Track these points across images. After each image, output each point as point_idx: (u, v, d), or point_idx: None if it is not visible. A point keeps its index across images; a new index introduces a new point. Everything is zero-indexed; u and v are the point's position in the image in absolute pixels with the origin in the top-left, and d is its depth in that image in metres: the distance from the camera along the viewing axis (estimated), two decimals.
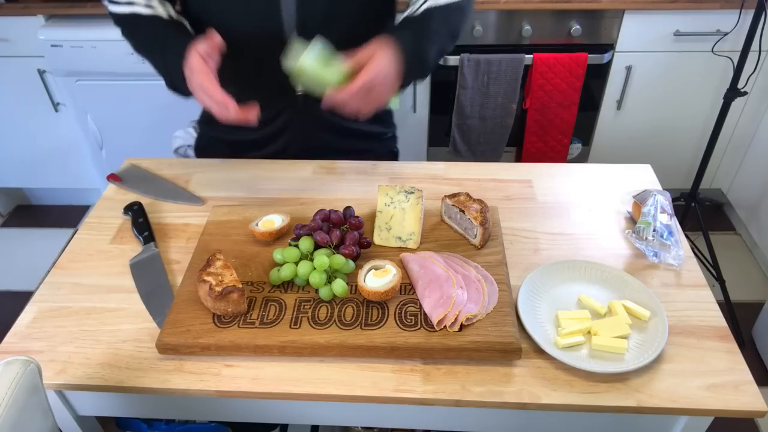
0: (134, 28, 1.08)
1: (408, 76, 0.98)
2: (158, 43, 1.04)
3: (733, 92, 1.78)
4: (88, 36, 1.94)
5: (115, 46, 1.94)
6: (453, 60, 1.98)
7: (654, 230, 0.98)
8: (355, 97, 0.91)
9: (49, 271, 0.99)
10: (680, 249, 0.97)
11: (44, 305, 0.93)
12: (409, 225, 0.98)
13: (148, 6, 1.06)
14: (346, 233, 0.95)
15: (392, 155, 1.40)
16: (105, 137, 2.18)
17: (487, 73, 1.99)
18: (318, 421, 0.92)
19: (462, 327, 0.82)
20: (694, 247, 1.81)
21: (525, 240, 1.02)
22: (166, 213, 1.11)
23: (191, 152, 1.37)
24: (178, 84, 1.01)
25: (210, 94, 0.92)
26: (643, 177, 1.17)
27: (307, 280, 0.88)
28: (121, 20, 1.08)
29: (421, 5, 1.04)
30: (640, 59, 2.02)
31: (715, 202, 2.44)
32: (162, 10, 1.08)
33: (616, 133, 2.21)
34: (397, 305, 0.87)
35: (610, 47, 2.00)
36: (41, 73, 2.07)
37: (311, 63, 0.92)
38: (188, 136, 1.38)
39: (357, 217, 0.97)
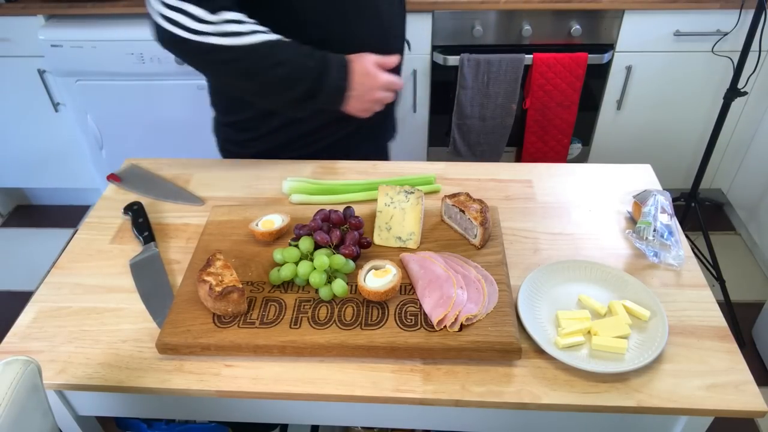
0: (273, 54, 0.98)
1: None
2: (313, 61, 1.00)
3: (733, 92, 1.78)
4: (88, 36, 1.94)
5: (115, 46, 1.94)
6: (453, 60, 1.98)
7: (654, 230, 0.98)
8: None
9: (49, 271, 0.99)
10: (680, 249, 0.97)
11: (44, 305, 0.93)
12: (409, 225, 0.98)
13: (270, 31, 0.98)
14: (346, 233, 0.95)
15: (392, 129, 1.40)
16: (105, 137, 2.18)
17: (487, 73, 1.99)
18: (318, 421, 0.92)
19: (462, 327, 0.82)
20: (694, 247, 1.81)
21: (525, 240, 1.02)
22: (166, 213, 1.11)
23: None
24: (331, 94, 1.02)
25: (393, 86, 1.06)
26: (643, 177, 1.17)
27: (307, 280, 0.88)
28: (253, 50, 0.96)
29: None
30: (640, 59, 2.02)
31: (715, 202, 2.44)
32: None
33: (616, 133, 2.21)
34: (397, 305, 0.87)
35: (610, 47, 2.00)
36: (41, 73, 2.07)
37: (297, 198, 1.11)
38: None
39: (357, 217, 0.97)
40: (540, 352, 0.82)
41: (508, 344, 0.80)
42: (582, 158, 2.28)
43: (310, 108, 1.04)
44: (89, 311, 0.91)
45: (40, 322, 0.90)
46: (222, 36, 0.93)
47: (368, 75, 1.03)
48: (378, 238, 0.99)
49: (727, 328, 0.86)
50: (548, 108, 2.08)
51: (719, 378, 0.79)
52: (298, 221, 1.00)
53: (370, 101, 1.05)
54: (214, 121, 1.30)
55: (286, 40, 0.99)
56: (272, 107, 1.13)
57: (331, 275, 0.89)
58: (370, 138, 1.31)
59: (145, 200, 1.13)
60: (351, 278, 0.91)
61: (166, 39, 0.95)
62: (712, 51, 1.92)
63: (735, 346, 0.83)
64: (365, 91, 1.03)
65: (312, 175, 1.19)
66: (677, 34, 1.95)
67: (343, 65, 1.02)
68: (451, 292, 0.85)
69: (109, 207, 1.13)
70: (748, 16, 1.74)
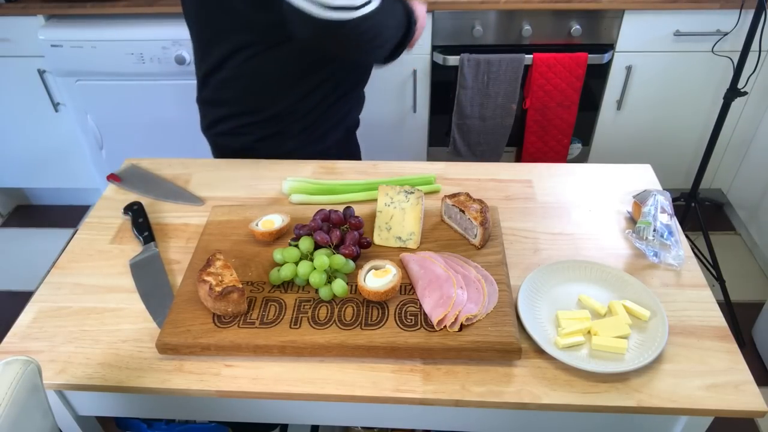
0: (387, 5, 1.05)
1: None
2: (398, 3, 1.10)
3: (733, 92, 1.78)
4: (88, 36, 1.94)
5: (115, 46, 1.94)
6: (453, 60, 1.98)
7: (654, 230, 0.98)
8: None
9: (49, 271, 0.99)
10: (680, 249, 0.97)
11: (44, 305, 0.93)
12: (409, 225, 0.98)
13: None
14: (346, 233, 0.95)
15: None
16: (105, 137, 2.18)
17: (487, 73, 1.99)
18: (318, 421, 0.92)
19: (462, 327, 0.82)
20: (694, 247, 1.81)
21: (525, 240, 1.02)
22: (166, 213, 1.11)
23: None
24: (413, 28, 1.14)
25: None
26: (643, 177, 1.17)
27: (307, 280, 0.88)
28: (382, 7, 1.02)
29: None
30: (640, 59, 2.02)
31: (715, 202, 2.44)
32: None
33: (616, 133, 2.20)
34: (397, 305, 0.87)
35: (610, 47, 2.00)
36: (41, 73, 2.07)
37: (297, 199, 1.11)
38: None
39: (357, 217, 0.97)
40: (540, 352, 0.82)
41: (508, 344, 0.80)
42: (582, 158, 2.28)
43: (402, 50, 1.16)
44: (89, 311, 0.91)
45: (40, 322, 0.90)
46: (367, 4, 0.97)
47: (418, 5, 1.16)
48: (378, 238, 0.99)
49: (727, 328, 0.86)
50: (548, 108, 2.08)
51: (719, 378, 0.79)
52: (298, 221, 1.00)
53: (421, 28, 1.18)
54: (229, 126, 1.27)
55: None
56: (379, 60, 1.18)
57: (331, 275, 0.88)
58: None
59: (145, 200, 1.13)
60: (351, 278, 0.91)
61: (328, 28, 0.97)
62: (712, 51, 1.91)
63: (735, 346, 0.83)
64: (421, 20, 1.17)
65: (312, 175, 1.19)
66: (677, 34, 1.95)
67: (407, 1, 1.14)
68: (451, 292, 0.85)
69: (109, 207, 1.13)
70: (748, 16, 1.74)
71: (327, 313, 0.86)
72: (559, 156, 2.22)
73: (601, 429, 0.86)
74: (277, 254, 0.91)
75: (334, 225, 0.96)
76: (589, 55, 1.96)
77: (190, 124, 2.08)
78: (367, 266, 0.89)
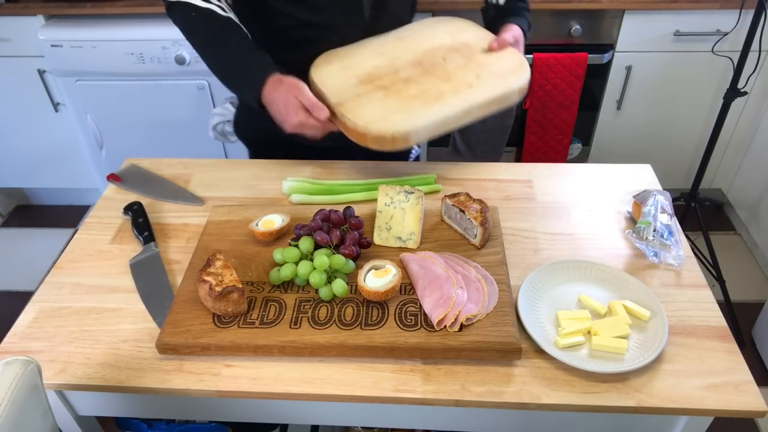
0: (192, 23, 1.00)
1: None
2: (233, 54, 1.00)
3: (733, 92, 1.78)
4: (88, 36, 1.94)
5: (115, 46, 1.94)
6: None
7: (654, 230, 0.98)
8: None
9: (49, 271, 0.99)
10: (680, 249, 0.97)
11: (44, 305, 0.93)
12: (409, 225, 0.98)
13: None
14: (346, 233, 0.95)
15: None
16: (105, 137, 2.18)
17: None
18: (318, 421, 0.92)
19: (462, 327, 0.82)
20: (694, 247, 1.81)
21: (525, 240, 1.02)
22: (166, 213, 1.11)
23: (229, 128, 1.32)
24: (250, 98, 1.00)
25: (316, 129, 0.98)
26: (643, 177, 1.17)
27: (307, 280, 0.88)
28: (174, 8, 1.00)
29: None
30: (640, 59, 2.02)
31: (715, 202, 2.44)
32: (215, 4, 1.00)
33: (616, 133, 2.21)
34: (397, 305, 0.87)
35: (610, 47, 2.00)
36: (41, 73, 2.07)
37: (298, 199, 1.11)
38: (226, 112, 1.32)
39: (357, 217, 0.97)
40: (540, 352, 0.82)
41: (508, 344, 0.80)
42: (582, 158, 2.28)
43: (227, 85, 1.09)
44: (89, 311, 0.91)
45: (40, 322, 0.90)
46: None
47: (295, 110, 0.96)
48: (378, 238, 0.99)
49: (727, 328, 0.86)
50: (548, 108, 2.08)
51: (719, 378, 0.79)
52: (298, 221, 1.00)
53: (281, 122, 0.99)
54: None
55: (209, 10, 1.01)
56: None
57: (331, 275, 0.89)
58: None
59: (145, 200, 1.13)
60: (351, 278, 0.91)
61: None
62: (712, 51, 1.91)
63: (735, 346, 0.83)
64: (276, 113, 0.98)
65: (312, 175, 1.19)
66: (677, 34, 1.95)
67: (262, 70, 0.99)
68: (451, 292, 0.85)
69: (109, 207, 1.13)
70: (748, 16, 1.74)
71: (327, 313, 0.86)
72: (559, 156, 2.22)
73: (601, 429, 0.86)
74: (277, 254, 0.91)
75: (334, 225, 0.96)
76: (589, 55, 1.96)
77: (191, 124, 2.08)
78: (367, 266, 0.89)
